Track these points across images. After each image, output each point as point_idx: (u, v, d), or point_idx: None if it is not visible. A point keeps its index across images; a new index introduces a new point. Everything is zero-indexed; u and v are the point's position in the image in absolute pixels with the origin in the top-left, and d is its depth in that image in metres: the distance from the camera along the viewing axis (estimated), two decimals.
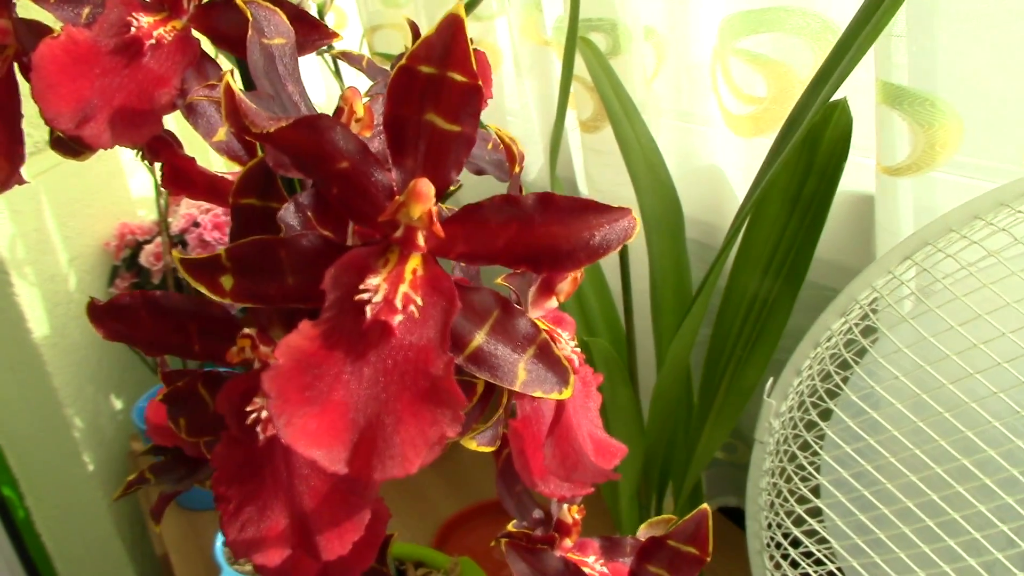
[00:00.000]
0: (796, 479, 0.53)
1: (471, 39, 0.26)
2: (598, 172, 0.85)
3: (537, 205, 0.18)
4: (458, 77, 0.17)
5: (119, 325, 0.23)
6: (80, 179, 1.21)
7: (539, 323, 0.21)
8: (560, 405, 0.25)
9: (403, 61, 0.17)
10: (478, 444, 0.23)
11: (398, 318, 0.18)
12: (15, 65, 0.24)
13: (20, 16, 0.24)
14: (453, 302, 0.19)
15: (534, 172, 1.03)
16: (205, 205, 1.19)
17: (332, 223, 0.20)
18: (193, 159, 0.25)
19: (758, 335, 0.55)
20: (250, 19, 0.22)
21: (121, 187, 1.28)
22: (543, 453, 0.24)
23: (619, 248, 0.18)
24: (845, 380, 0.53)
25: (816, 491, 0.53)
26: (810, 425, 0.53)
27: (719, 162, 0.82)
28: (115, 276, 1.23)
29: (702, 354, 0.61)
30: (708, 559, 0.27)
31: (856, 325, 0.53)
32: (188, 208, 1.14)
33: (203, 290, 0.20)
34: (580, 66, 0.78)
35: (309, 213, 0.20)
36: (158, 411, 0.28)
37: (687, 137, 0.85)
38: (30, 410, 1.19)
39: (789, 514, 0.54)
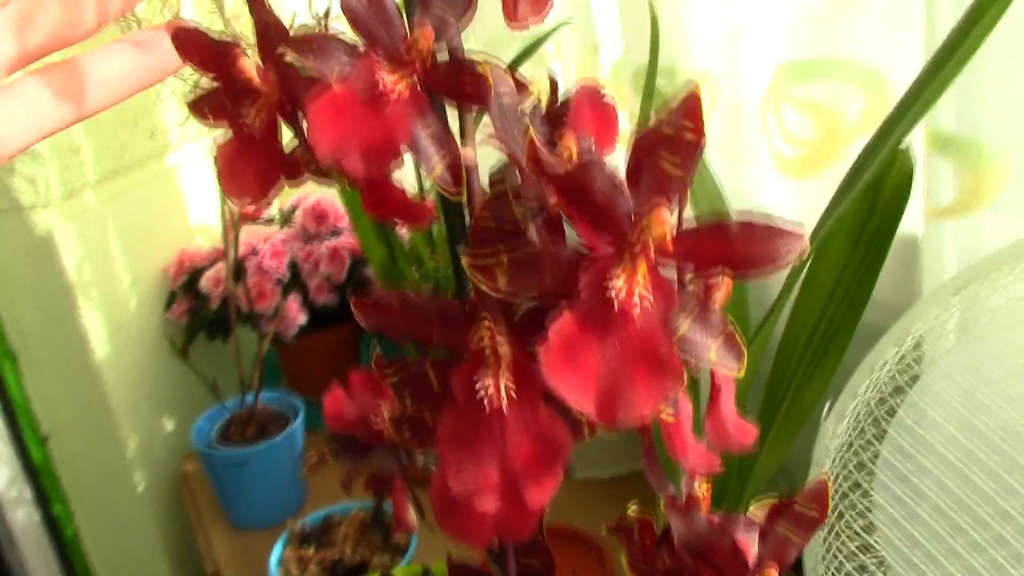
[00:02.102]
0: (853, 495, 0.57)
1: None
2: None
3: (741, 229, 0.23)
4: (690, 136, 0.22)
5: (378, 316, 0.28)
6: (145, 207, 1.26)
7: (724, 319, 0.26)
8: (721, 385, 0.31)
9: (655, 129, 0.22)
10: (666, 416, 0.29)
11: (636, 309, 0.24)
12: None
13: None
14: (672, 299, 0.24)
15: None
16: (264, 234, 1.24)
17: (560, 239, 0.26)
18: (403, 190, 0.30)
19: (819, 361, 0.59)
20: (491, 80, 0.27)
21: (181, 216, 1.34)
22: (688, 431, 0.30)
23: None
24: (897, 405, 0.57)
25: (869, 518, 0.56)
26: (864, 447, 0.57)
27: (767, 201, 0.87)
28: (172, 301, 1.28)
29: (762, 380, 0.65)
30: (825, 520, 0.32)
31: (910, 353, 0.57)
32: (247, 237, 1.20)
33: (483, 285, 0.25)
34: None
35: (543, 232, 0.25)
36: (335, 403, 0.33)
37: (736, 177, 0.89)
38: (86, 429, 1.24)
39: (847, 528, 0.58)
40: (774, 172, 0.85)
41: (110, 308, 1.20)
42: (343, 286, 1.21)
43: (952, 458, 0.51)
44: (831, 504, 0.48)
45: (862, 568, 0.53)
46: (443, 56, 0.29)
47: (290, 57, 0.27)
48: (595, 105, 0.31)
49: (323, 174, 0.29)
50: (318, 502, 1.06)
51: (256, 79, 0.28)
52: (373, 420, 0.36)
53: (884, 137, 0.50)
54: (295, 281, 1.21)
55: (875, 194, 0.57)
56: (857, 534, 0.56)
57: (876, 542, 0.53)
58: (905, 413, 0.53)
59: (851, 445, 0.55)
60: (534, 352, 0.24)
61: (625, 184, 0.24)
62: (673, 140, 0.23)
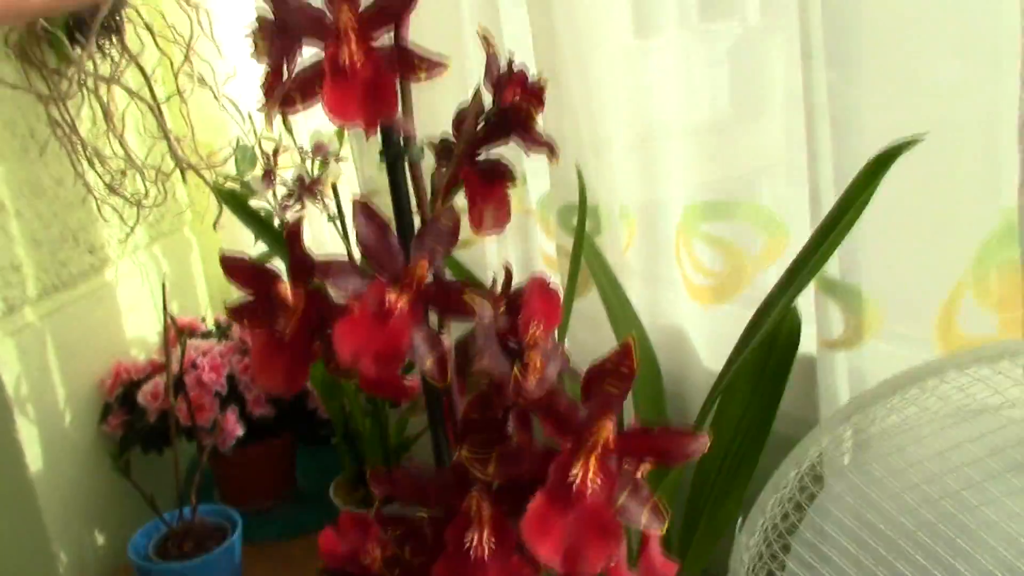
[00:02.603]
0: None
1: None
2: (581, 334, 0.98)
3: (661, 433, 0.31)
4: (625, 370, 0.30)
5: (392, 487, 0.34)
6: (82, 321, 1.29)
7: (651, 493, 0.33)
8: (650, 536, 0.38)
9: (602, 364, 0.30)
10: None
11: (589, 491, 0.31)
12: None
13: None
14: (615, 481, 0.32)
15: None
16: (203, 347, 1.28)
17: (528, 428, 0.33)
18: (398, 376, 0.36)
19: (732, 481, 0.67)
20: (476, 306, 0.34)
21: (117, 329, 1.36)
22: (625, 571, 0.37)
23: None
24: (799, 520, 0.65)
25: None
26: (772, 558, 0.65)
27: (681, 324, 0.96)
28: (107, 413, 1.29)
29: (684, 498, 0.73)
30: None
31: (807, 474, 0.66)
32: (188, 350, 1.23)
33: (478, 472, 0.32)
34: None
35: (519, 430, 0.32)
36: (329, 541, 0.39)
37: (654, 300, 0.98)
38: (18, 544, 1.23)
39: None
40: (687, 298, 0.95)
41: (45, 422, 1.21)
42: (279, 399, 1.25)
43: (848, 569, 0.59)
44: None
45: None
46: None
47: (317, 281, 0.34)
48: (543, 293, 0.38)
49: (343, 373, 0.36)
50: None
51: (289, 298, 0.35)
52: (362, 558, 0.41)
53: (776, 299, 0.60)
54: (232, 394, 1.24)
55: (771, 345, 0.66)
56: None
57: None
58: (805, 528, 0.61)
59: (761, 556, 0.62)
60: (509, 514, 0.31)
61: (580, 403, 0.32)
62: (615, 372, 0.32)
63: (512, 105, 0.36)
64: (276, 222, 1.14)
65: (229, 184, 1.31)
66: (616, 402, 0.33)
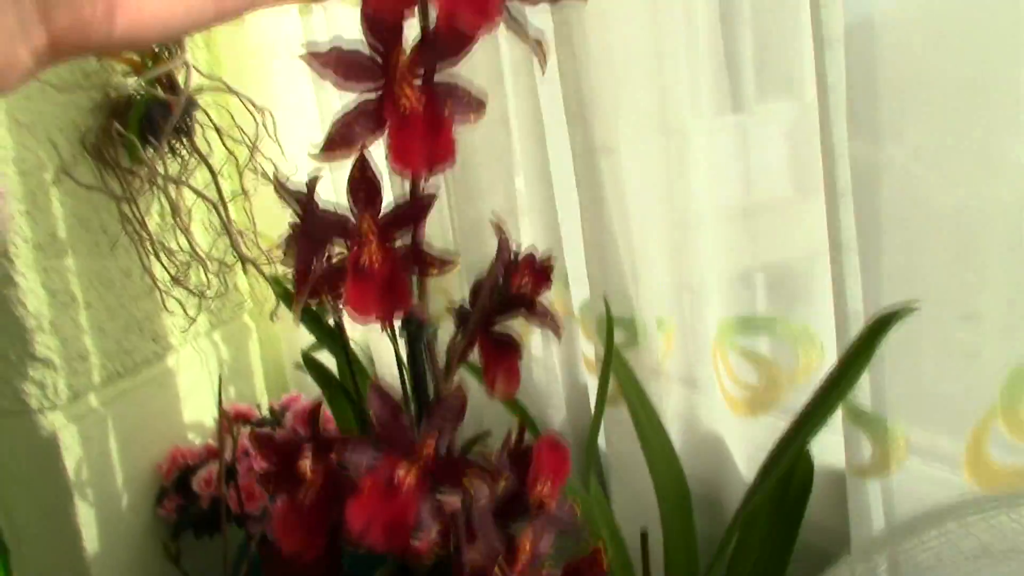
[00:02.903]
0: None
1: None
2: (617, 439, 0.99)
3: None
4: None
5: None
6: (143, 406, 1.34)
7: None
8: None
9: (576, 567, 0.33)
10: None
11: None
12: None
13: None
14: None
15: (557, 423, 1.17)
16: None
17: None
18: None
19: None
20: (475, 488, 0.37)
21: (176, 413, 1.42)
22: None
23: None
24: None
25: None
26: None
27: (720, 431, 0.97)
28: (163, 497, 1.34)
29: None
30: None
31: None
32: (239, 436, 1.27)
33: None
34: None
35: None
36: None
37: (692, 405, 0.99)
38: None
39: None
40: (723, 406, 0.96)
41: (103, 505, 1.26)
42: None
43: None
44: None
45: None
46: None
47: (334, 458, 0.37)
48: (552, 450, 0.41)
49: (355, 543, 0.39)
50: None
51: (308, 473, 0.38)
52: None
53: (790, 442, 0.61)
54: None
55: (786, 485, 0.67)
56: None
57: None
58: None
59: None
60: None
61: None
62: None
63: (518, 293, 0.39)
64: (331, 320, 1.18)
65: (287, 276, 1.37)
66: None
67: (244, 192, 1.35)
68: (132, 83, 1.24)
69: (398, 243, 0.35)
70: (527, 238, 1.17)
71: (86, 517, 1.22)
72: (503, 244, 0.40)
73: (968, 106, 0.64)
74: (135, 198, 1.26)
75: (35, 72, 0.34)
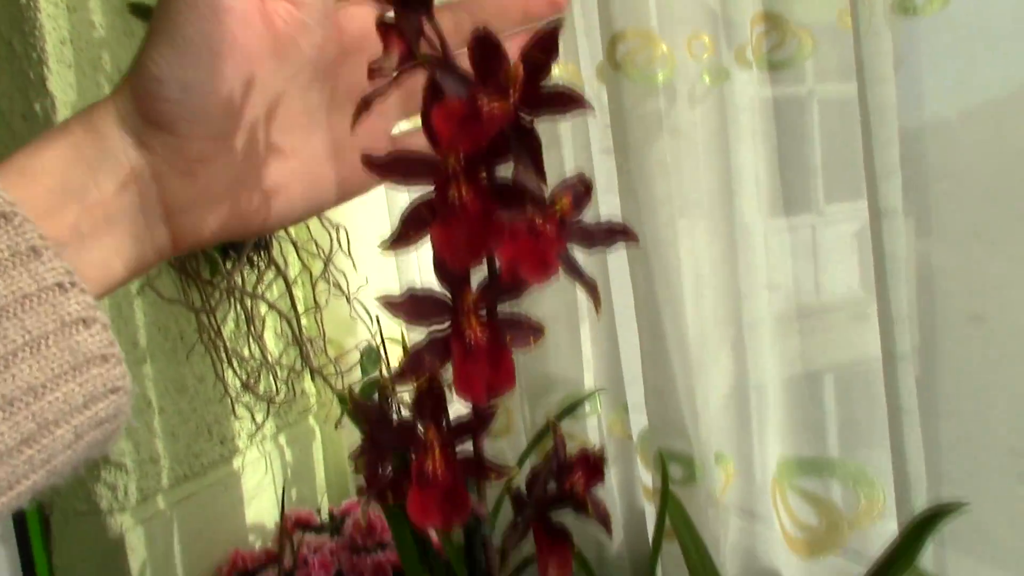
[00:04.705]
0: None
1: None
2: (672, 571, 0.99)
3: None
4: None
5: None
6: (207, 508, 1.37)
7: None
8: None
9: None
10: None
11: None
12: None
13: None
14: None
15: (614, 548, 1.17)
16: (315, 543, 1.34)
17: None
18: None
19: None
20: None
21: (238, 515, 1.45)
22: None
23: None
24: None
25: None
26: None
27: (780, 569, 0.96)
28: None
29: None
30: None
31: None
32: (297, 542, 1.29)
33: None
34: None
35: None
36: None
37: (751, 540, 0.99)
38: None
39: None
40: (782, 545, 0.95)
41: None
42: None
43: None
44: None
45: None
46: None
47: None
48: (587, 464, 0.42)
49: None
50: None
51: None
52: None
53: None
54: None
55: None
56: None
57: None
58: None
59: None
60: None
61: None
62: None
63: (570, 490, 0.41)
64: None
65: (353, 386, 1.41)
66: None
67: (316, 304, 1.40)
68: None
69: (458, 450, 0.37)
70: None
71: None
72: (559, 442, 0.42)
73: None
74: (213, 309, 1.31)
75: (155, 264, 0.40)
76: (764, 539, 0.97)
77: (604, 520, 0.40)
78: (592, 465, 0.41)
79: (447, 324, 0.35)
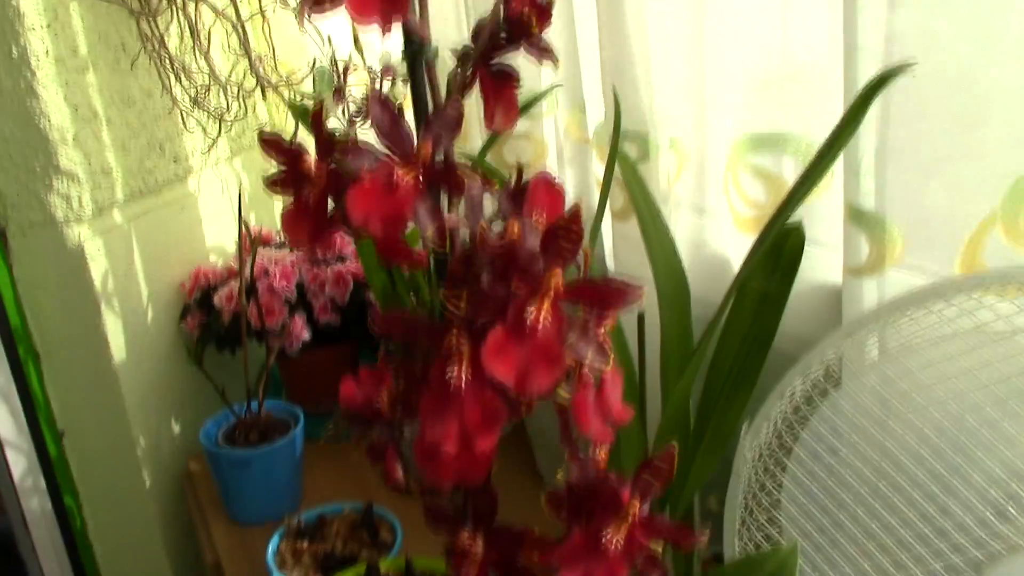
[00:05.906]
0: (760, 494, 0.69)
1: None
2: (624, 254, 1.01)
3: (603, 282, 0.36)
4: (575, 230, 0.35)
5: (387, 326, 0.40)
6: (166, 227, 1.38)
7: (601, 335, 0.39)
8: (607, 379, 0.43)
9: (555, 225, 0.34)
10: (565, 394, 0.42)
11: (540, 327, 0.36)
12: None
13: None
14: (563, 321, 0.37)
15: None
16: (274, 256, 1.36)
17: (501, 283, 0.39)
18: (407, 244, 0.41)
19: (738, 386, 0.72)
20: (468, 179, 0.39)
21: (198, 236, 1.45)
22: (590, 414, 0.43)
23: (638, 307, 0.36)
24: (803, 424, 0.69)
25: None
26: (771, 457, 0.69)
27: (726, 251, 0.99)
28: (186, 313, 1.39)
29: (697, 400, 0.77)
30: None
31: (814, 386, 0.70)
32: (259, 258, 1.31)
33: (453, 309, 0.38)
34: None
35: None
36: (349, 389, 0.46)
37: (700, 228, 1.01)
38: (100, 427, 1.34)
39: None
40: (732, 227, 0.97)
41: (129, 318, 1.31)
42: (345, 308, 1.32)
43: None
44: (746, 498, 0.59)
45: (767, 537, 0.65)
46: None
47: (337, 158, 0.39)
48: (547, 188, 0.43)
49: (355, 233, 0.41)
50: (312, 503, 1.17)
51: (313, 171, 0.40)
52: (374, 402, 0.48)
53: (786, 209, 0.63)
54: (301, 301, 1.32)
55: (778, 251, 0.70)
56: (766, 511, 0.68)
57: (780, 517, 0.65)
58: (808, 435, 0.65)
59: (761, 456, 0.67)
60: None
61: (538, 254, 0.37)
62: (566, 233, 0.37)
63: (516, 17, 0.41)
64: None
65: (305, 102, 1.38)
66: (567, 256, 0.38)
67: (262, 13, 1.35)
68: None
69: None
70: None
71: (113, 327, 1.28)
72: None
73: None
74: (154, 15, 1.26)
75: None
76: (713, 225, 0.99)
77: (550, 56, 0.40)
78: (539, 2, 0.40)
79: None
